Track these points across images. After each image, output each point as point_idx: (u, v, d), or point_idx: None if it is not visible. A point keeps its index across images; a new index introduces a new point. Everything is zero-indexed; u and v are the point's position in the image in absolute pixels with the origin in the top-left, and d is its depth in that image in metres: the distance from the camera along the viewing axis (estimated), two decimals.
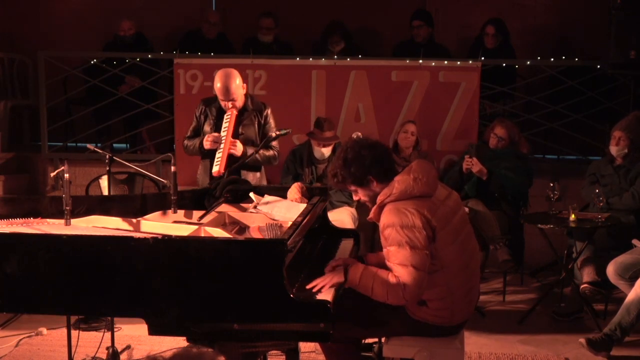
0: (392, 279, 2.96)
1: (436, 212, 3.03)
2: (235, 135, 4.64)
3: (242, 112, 4.69)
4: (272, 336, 2.82)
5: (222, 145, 4.56)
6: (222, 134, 4.59)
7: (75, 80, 7.41)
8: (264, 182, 4.88)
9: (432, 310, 3.11)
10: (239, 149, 4.58)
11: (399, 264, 2.96)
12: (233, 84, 4.54)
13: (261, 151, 4.64)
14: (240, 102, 4.64)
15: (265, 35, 7.19)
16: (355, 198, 3.29)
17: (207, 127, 4.75)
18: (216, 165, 4.54)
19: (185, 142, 4.87)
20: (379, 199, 3.09)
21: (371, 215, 3.15)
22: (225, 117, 4.64)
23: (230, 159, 4.56)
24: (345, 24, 7.19)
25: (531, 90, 7.14)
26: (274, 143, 4.75)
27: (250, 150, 4.60)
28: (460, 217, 3.19)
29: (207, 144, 4.62)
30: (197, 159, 5.02)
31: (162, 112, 6.93)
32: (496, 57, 6.75)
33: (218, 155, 4.56)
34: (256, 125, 4.73)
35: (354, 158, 3.11)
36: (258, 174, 4.83)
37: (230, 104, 4.59)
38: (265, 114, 4.77)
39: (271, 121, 4.80)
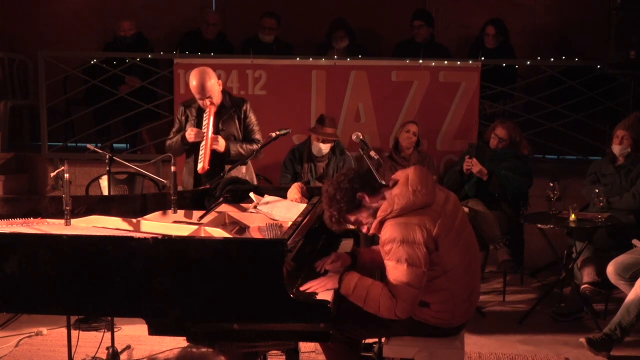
0: (385, 294, 2.96)
1: (438, 220, 3.02)
2: (216, 131, 4.66)
3: (220, 109, 4.70)
4: (272, 336, 2.82)
5: (203, 142, 4.58)
6: (203, 130, 4.61)
7: (75, 80, 7.41)
8: (253, 176, 4.89)
9: (434, 312, 3.11)
10: (221, 144, 4.60)
11: (395, 280, 2.96)
12: (208, 82, 4.55)
13: (245, 145, 4.68)
14: (217, 99, 4.65)
15: (267, 35, 7.19)
16: (363, 229, 3.21)
17: (188, 128, 4.76)
18: (200, 162, 4.55)
19: (168, 142, 4.87)
20: (379, 215, 3.05)
21: (372, 230, 3.12)
22: (204, 114, 4.66)
23: (214, 154, 4.58)
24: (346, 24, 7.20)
25: (531, 90, 7.14)
26: (257, 136, 4.79)
27: (233, 146, 4.64)
28: (460, 219, 3.18)
29: (190, 137, 4.62)
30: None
31: (162, 112, 6.92)
32: (496, 57, 6.74)
33: (201, 152, 4.57)
34: (236, 121, 4.75)
35: (335, 189, 3.10)
36: (244, 168, 4.84)
37: (207, 102, 4.60)
38: (244, 108, 4.78)
39: (251, 115, 4.81)
